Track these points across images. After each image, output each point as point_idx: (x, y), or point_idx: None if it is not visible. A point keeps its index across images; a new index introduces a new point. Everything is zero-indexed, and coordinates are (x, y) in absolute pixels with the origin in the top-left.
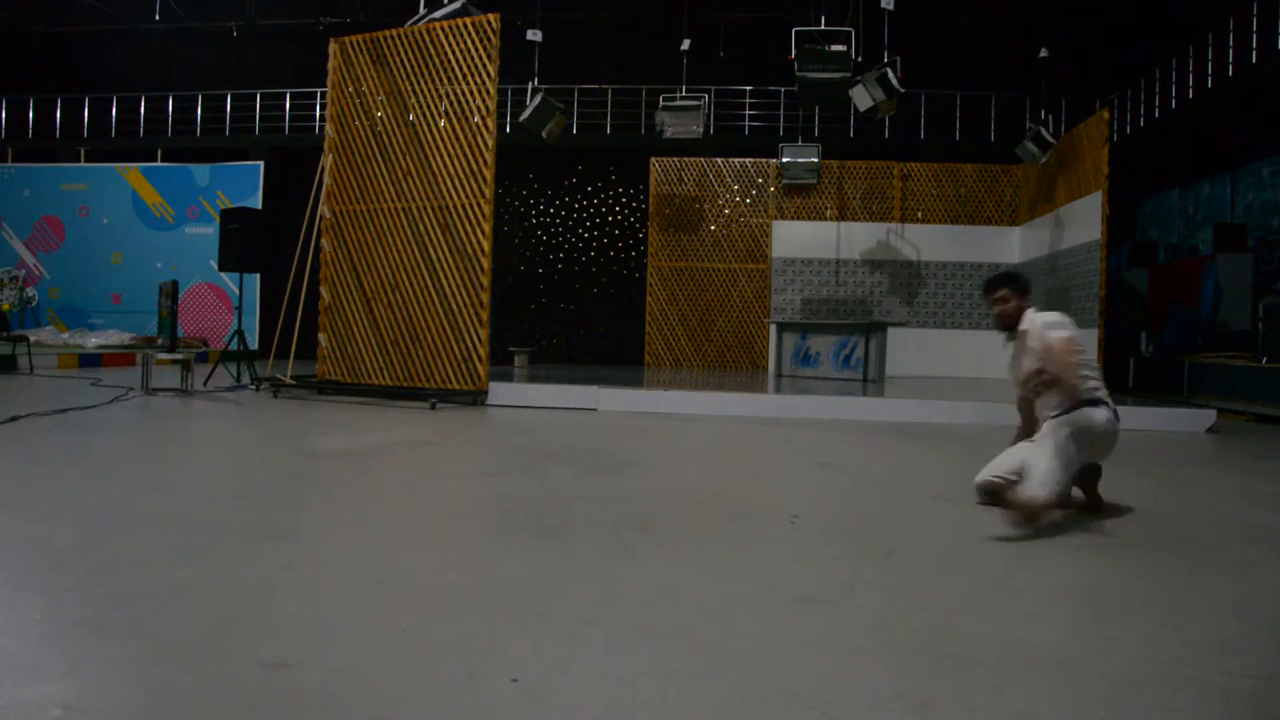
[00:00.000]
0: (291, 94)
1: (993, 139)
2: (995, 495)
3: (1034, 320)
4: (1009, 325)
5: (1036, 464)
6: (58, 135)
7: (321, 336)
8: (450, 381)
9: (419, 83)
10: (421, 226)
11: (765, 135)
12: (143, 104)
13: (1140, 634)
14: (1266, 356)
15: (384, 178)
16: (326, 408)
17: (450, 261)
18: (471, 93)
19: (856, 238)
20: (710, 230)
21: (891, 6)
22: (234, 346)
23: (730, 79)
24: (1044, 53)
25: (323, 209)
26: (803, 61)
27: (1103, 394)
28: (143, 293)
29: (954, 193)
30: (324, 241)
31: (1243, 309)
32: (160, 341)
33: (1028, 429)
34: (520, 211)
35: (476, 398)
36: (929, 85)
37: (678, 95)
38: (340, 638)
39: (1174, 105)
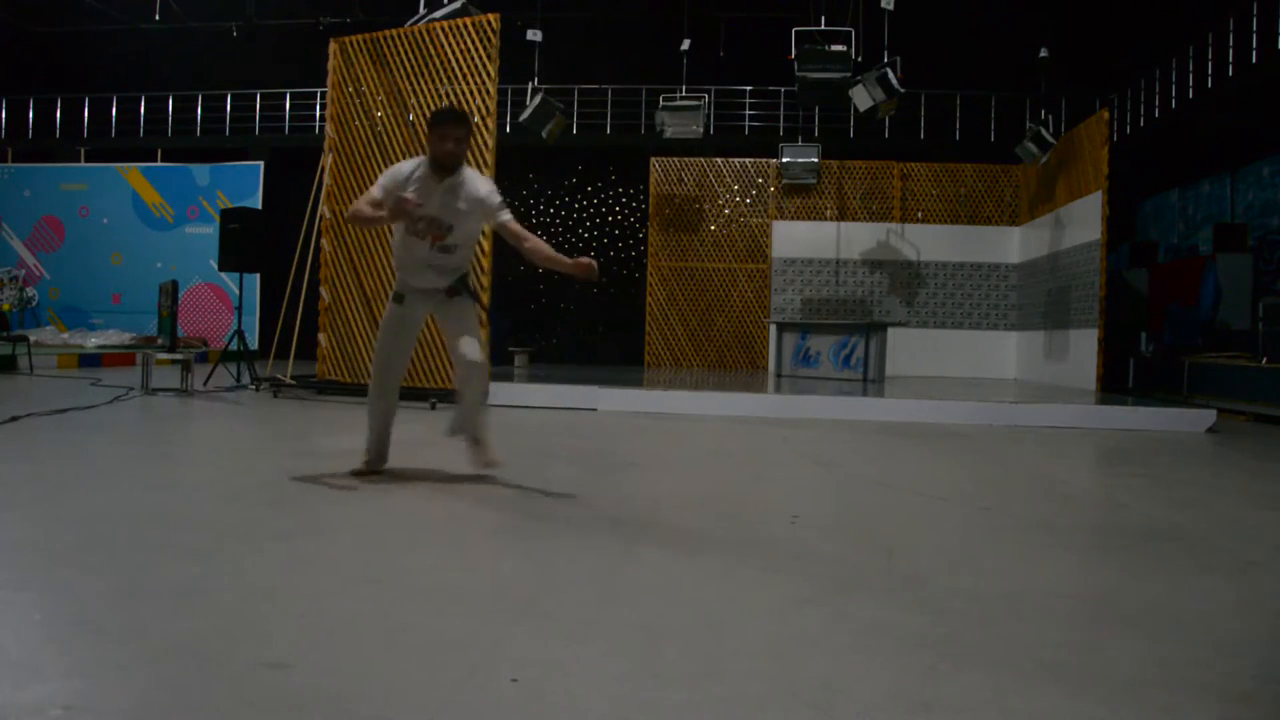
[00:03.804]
0: (291, 94)
1: (993, 139)
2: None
3: (475, 179)
4: (453, 166)
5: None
6: (58, 135)
7: (321, 336)
8: (450, 382)
9: (419, 83)
10: None
11: (765, 135)
12: (143, 104)
13: (1140, 634)
14: (1266, 356)
15: None
16: (326, 408)
17: None
18: (471, 93)
19: (856, 238)
20: (710, 230)
21: (891, 6)
22: (234, 346)
23: (730, 79)
24: (1044, 53)
25: (323, 209)
26: (803, 61)
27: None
28: (143, 293)
29: (954, 193)
30: (324, 241)
31: (1243, 309)
32: (160, 341)
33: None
34: (520, 212)
35: None
36: (929, 85)
37: (678, 95)
38: (340, 638)
39: (1174, 105)
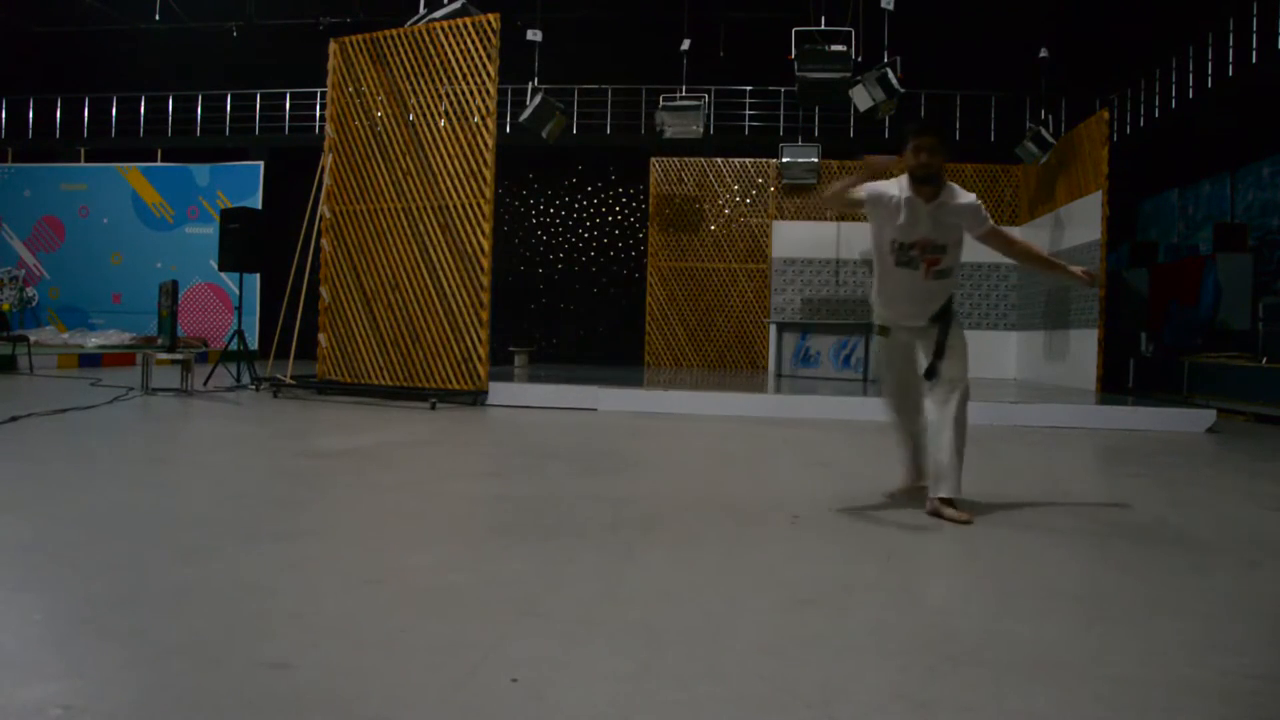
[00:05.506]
0: (291, 94)
1: (993, 139)
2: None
3: (959, 196)
4: (933, 180)
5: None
6: (58, 135)
7: (321, 336)
8: (450, 381)
9: (419, 83)
10: (421, 226)
11: (765, 135)
12: (143, 104)
13: (1140, 634)
14: (1266, 356)
15: (384, 178)
16: (326, 408)
17: (450, 261)
18: (471, 93)
19: (856, 238)
20: (710, 230)
21: (891, 6)
22: (234, 346)
23: (730, 79)
24: (1044, 53)
25: (323, 209)
26: (803, 61)
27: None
28: (143, 293)
29: None
30: (324, 241)
31: (1243, 309)
32: (160, 341)
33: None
34: (520, 211)
35: (476, 398)
36: (929, 85)
37: (678, 95)
38: (340, 638)
39: (1174, 105)
